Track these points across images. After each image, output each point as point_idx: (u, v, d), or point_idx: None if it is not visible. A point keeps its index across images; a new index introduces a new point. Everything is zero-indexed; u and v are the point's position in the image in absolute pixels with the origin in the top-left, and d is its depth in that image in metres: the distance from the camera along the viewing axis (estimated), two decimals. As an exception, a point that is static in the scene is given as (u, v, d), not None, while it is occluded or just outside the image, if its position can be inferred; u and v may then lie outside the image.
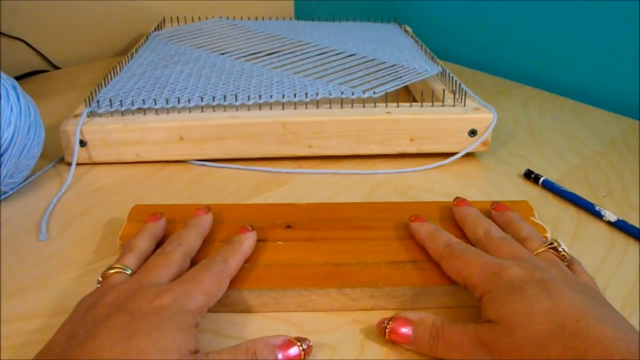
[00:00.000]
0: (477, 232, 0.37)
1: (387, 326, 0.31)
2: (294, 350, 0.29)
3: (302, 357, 0.30)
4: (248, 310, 0.34)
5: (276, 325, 0.34)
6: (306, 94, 0.54)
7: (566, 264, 0.34)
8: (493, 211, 0.41)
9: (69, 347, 0.26)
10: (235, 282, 0.34)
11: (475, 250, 0.34)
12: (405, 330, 0.31)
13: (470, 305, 0.35)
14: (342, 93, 0.54)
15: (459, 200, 0.41)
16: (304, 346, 0.30)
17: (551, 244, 0.35)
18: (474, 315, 0.34)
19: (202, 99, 0.53)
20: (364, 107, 0.54)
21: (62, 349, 0.27)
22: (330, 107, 0.53)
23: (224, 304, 0.34)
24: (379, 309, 0.35)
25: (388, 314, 0.33)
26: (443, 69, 0.62)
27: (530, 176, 0.51)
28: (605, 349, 0.25)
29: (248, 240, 0.36)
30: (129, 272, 0.33)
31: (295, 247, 0.37)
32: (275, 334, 0.30)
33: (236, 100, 0.53)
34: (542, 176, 0.50)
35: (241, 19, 0.85)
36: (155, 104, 0.52)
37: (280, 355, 0.29)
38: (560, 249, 0.34)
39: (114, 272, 0.32)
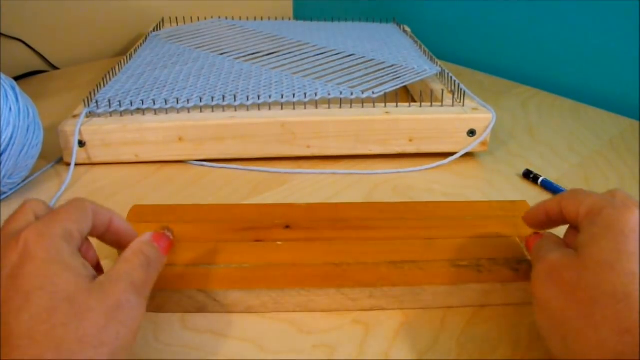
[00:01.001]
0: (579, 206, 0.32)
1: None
2: (166, 239, 0.32)
3: (172, 241, 0.32)
4: (247, 311, 0.34)
5: (275, 325, 0.34)
6: (305, 94, 0.54)
7: None
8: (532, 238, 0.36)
9: None
10: (234, 282, 0.34)
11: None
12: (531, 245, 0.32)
13: (471, 305, 0.35)
14: (341, 93, 0.54)
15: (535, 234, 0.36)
16: (169, 232, 0.32)
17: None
18: (476, 315, 0.35)
19: (201, 99, 0.53)
20: (362, 107, 0.54)
21: None
22: (329, 107, 0.53)
23: (223, 305, 0.34)
24: (378, 309, 0.35)
25: (387, 313, 0.33)
26: (442, 69, 0.62)
27: (529, 176, 0.51)
28: None
29: (121, 220, 0.33)
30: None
31: (294, 247, 0.37)
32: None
33: (235, 100, 0.53)
34: (541, 176, 0.50)
35: (240, 19, 0.85)
36: (154, 104, 0.52)
37: (160, 245, 0.31)
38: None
39: (19, 215, 0.29)
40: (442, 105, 0.54)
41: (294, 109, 0.53)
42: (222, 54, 0.68)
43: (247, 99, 0.53)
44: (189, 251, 0.37)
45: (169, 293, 0.34)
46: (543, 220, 0.34)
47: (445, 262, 0.36)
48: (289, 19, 0.90)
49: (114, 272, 0.28)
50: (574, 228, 0.32)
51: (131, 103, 0.52)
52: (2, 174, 0.44)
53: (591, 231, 0.28)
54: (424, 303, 0.35)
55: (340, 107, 0.54)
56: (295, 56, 0.66)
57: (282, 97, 0.53)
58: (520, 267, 0.35)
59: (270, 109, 0.53)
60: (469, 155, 0.54)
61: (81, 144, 0.51)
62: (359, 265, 0.35)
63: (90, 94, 0.54)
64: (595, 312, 0.26)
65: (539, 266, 0.30)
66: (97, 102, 0.53)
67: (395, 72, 0.60)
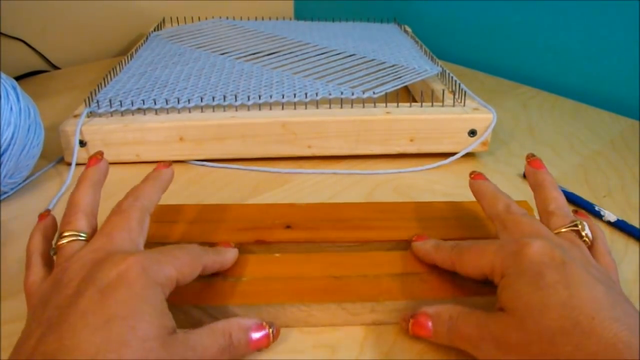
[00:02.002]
0: (496, 205, 0.35)
1: (410, 322, 0.32)
2: (264, 332, 0.30)
3: (271, 340, 0.31)
4: None
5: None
6: (306, 94, 0.54)
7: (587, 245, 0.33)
8: (527, 166, 0.38)
9: (43, 339, 0.24)
10: (230, 297, 0.33)
11: (485, 240, 0.33)
12: (427, 323, 0.31)
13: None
14: (341, 93, 0.54)
15: (475, 174, 0.39)
16: (273, 330, 0.31)
17: (575, 225, 0.33)
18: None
19: (201, 99, 0.53)
20: (363, 107, 0.54)
21: (36, 342, 0.24)
22: (330, 107, 0.53)
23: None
24: (381, 323, 0.34)
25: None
26: (443, 69, 0.62)
27: (530, 176, 0.51)
28: (618, 354, 0.24)
29: (230, 253, 0.35)
30: (83, 236, 0.30)
31: (293, 260, 0.36)
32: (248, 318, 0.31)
33: (236, 100, 0.53)
34: (541, 176, 0.50)
35: (241, 19, 0.85)
36: (155, 104, 0.52)
37: (253, 337, 0.30)
38: (583, 233, 0.32)
39: (68, 242, 0.30)
40: (442, 106, 0.54)
41: (295, 109, 0.53)
42: (223, 53, 0.68)
43: (248, 99, 0.53)
44: None
45: None
46: (431, 264, 0.35)
47: (449, 273, 0.34)
48: (290, 19, 0.90)
49: (194, 338, 0.27)
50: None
51: (132, 103, 0.52)
52: (3, 173, 0.44)
53: (508, 285, 0.28)
54: None
55: (341, 107, 0.54)
56: (296, 56, 0.66)
57: (283, 97, 0.53)
58: None
59: (271, 109, 0.53)
60: (469, 155, 0.54)
61: (82, 143, 0.51)
62: (360, 278, 0.34)
63: (91, 93, 0.54)
64: (555, 354, 0.25)
65: (484, 344, 0.28)
66: (98, 101, 0.53)
67: (396, 72, 0.60)
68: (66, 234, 0.30)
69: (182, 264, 0.29)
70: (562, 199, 0.35)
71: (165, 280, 0.28)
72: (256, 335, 0.30)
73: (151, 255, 0.28)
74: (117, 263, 0.27)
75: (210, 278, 0.34)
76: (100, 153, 0.35)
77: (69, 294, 0.26)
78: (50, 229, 0.33)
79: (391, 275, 0.35)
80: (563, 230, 0.33)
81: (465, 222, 0.41)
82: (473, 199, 0.48)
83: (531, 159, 0.38)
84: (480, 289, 0.33)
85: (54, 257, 0.30)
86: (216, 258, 0.33)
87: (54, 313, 0.25)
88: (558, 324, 0.25)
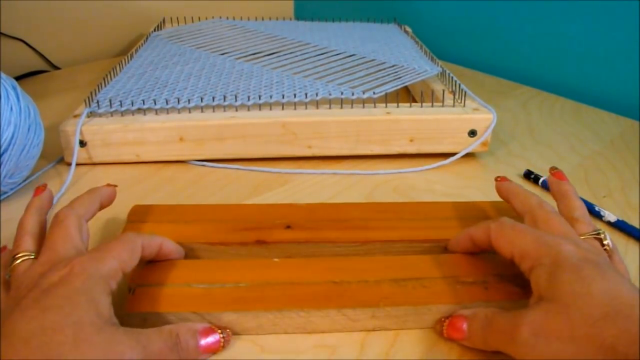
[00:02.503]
0: (529, 200, 0.36)
1: (445, 324, 0.32)
2: (213, 338, 0.31)
3: (221, 345, 0.31)
4: (244, 333, 0.33)
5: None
6: (306, 94, 0.54)
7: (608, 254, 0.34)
8: (550, 177, 0.39)
9: None
10: (229, 303, 0.32)
11: (527, 225, 0.34)
12: (462, 325, 0.31)
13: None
14: (342, 93, 0.54)
15: (501, 177, 0.41)
16: (224, 335, 0.31)
17: (598, 233, 0.34)
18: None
19: (202, 99, 0.53)
20: (363, 107, 0.54)
21: None
22: (330, 108, 0.53)
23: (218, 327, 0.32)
24: (381, 329, 0.33)
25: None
26: (443, 69, 0.62)
27: (530, 176, 0.51)
28: None
29: (164, 239, 0.35)
30: (33, 255, 0.32)
31: (292, 264, 0.36)
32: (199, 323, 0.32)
33: (236, 100, 0.53)
34: (541, 176, 0.50)
35: (241, 19, 0.85)
36: (155, 104, 0.52)
37: (201, 341, 0.31)
38: (605, 242, 0.33)
39: (19, 262, 0.32)
40: (443, 106, 0.54)
41: (295, 109, 0.53)
42: (223, 54, 0.68)
43: (248, 99, 0.53)
44: (182, 268, 0.35)
45: (161, 315, 0.32)
46: (469, 247, 0.36)
47: (450, 278, 0.34)
48: (290, 19, 0.90)
49: (139, 331, 0.28)
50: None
51: (132, 103, 0.52)
52: (3, 173, 0.44)
53: (545, 275, 0.29)
54: (429, 323, 0.33)
55: (341, 108, 0.54)
56: (296, 56, 0.66)
57: (283, 97, 0.53)
58: (528, 283, 0.34)
59: (271, 109, 0.53)
60: (469, 155, 0.54)
61: (82, 143, 0.51)
62: (360, 284, 0.34)
63: (91, 93, 0.54)
64: (600, 338, 0.26)
65: (521, 335, 0.28)
66: (98, 102, 0.53)
67: (396, 72, 0.60)
68: (18, 256, 0.32)
69: (119, 252, 0.31)
70: (585, 208, 0.37)
71: (108, 272, 0.30)
72: (206, 339, 0.31)
73: (90, 255, 0.30)
74: (60, 269, 0.29)
75: (208, 284, 0.34)
76: (44, 185, 0.38)
77: (17, 301, 0.28)
78: (45, 206, 0.37)
79: (392, 281, 0.34)
80: (587, 236, 0.34)
81: (465, 222, 0.40)
82: (473, 199, 0.48)
83: (555, 171, 0.40)
84: (482, 295, 0.33)
85: (9, 280, 0.32)
86: (151, 240, 0.34)
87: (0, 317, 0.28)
88: (601, 310, 0.26)
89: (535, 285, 0.30)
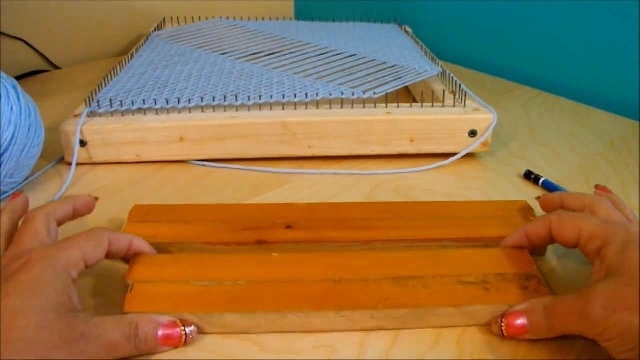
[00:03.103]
0: (587, 196, 0.37)
1: (502, 324, 0.32)
2: (175, 332, 0.31)
3: (183, 341, 0.31)
4: (242, 332, 0.33)
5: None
6: (306, 94, 0.54)
7: None
8: (597, 192, 0.40)
9: None
10: (228, 304, 0.32)
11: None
12: (520, 321, 0.32)
13: (478, 325, 0.34)
14: (342, 93, 0.54)
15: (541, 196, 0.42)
16: (187, 331, 0.31)
17: None
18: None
19: (202, 99, 0.53)
20: (364, 107, 0.54)
21: None
22: (330, 108, 0.53)
23: (217, 326, 0.32)
24: (381, 329, 0.33)
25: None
26: (443, 69, 0.62)
27: (530, 177, 0.51)
28: None
29: (134, 237, 0.36)
30: (3, 252, 0.33)
31: (291, 261, 0.36)
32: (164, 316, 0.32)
33: (236, 100, 0.53)
34: (542, 177, 0.50)
35: (241, 19, 0.85)
36: (156, 104, 0.52)
37: (160, 332, 0.31)
38: None
39: None
40: (443, 106, 0.54)
41: (295, 109, 0.53)
42: (223, 54, 0.68)
43: (249, 99, 0.53)
44: (181, 264, 0.35)
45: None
46: (525, 245, 0.37)
47: (451, 277, 0.34)
48: (291, 19, 0.90)
49: (97, 320, 0.29)
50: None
51: (132, 103, 0.52)
52: (4, 173, 0.44)
53: (613, 251, 0.30)
54: (428, 324, 0.33)
55: (342, 108, 0.54)
56: (297, 56, 0.66)
57: (284, 97, 0.53)
58: (529, 284, 0.34)
59: (271, 109, 0.53)
60: (470, 155, 0.54)
61: (82, 143, 0.51)
62: (360, 282, 0.34)
63: (92, 93, 0.54)
64: None
65: (592, 308, 0.29)
66: (98, 101, 0.53)
67: (396, 72, 0.61)
68: None
69: (82, 243, 0.32)
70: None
71: (68, 261, 0.30)
72: (166, 332, 0.31)
73: (52, 245, 0.31)
74: (20, 258, 0.30)
75: (207, 283, 0.33)
76: (20, 192, 0.39)
77: None
78: (19, 209, 0.37)
79: (392, 280, 0.34)
80: None
81: (466, 222, 0.41)
82: (474, 199, 0.48)
83: (600, 187, 0.41)
84: (483, 296, 0.33)
85: None
86: (119, 236, 0.34)
87: None
88: None
89: (603, 263, 0.31)
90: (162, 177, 0.51)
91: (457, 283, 0.34)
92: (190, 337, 0.32)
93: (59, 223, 0.36)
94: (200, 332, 0.32)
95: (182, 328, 0.31)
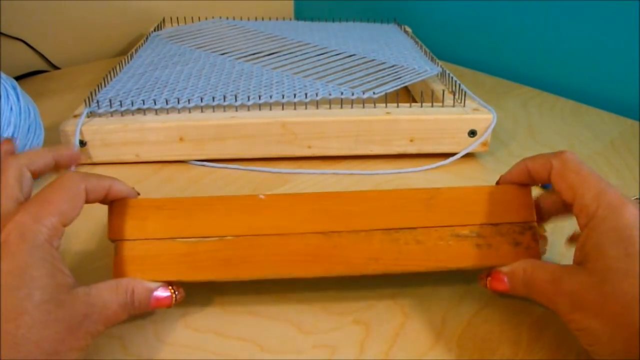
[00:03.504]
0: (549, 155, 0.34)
1: (487, 281, 0.33)
2: (166, 297, 0.32)
3: (173, 302, 0.32)
4: (227, 293, 0.34)
5: (275, 325, 0.34)
6: (306, 94, 0.54)
7: None
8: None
9: None
10: (214, 269, 0.32)
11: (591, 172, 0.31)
12: (502, 281, 0.32)
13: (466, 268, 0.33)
14: (342, 93, 0.54)
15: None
16: (177, 293, 0.32)
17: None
18: (476, 315, 0.34)
19: (202, 99, 0.53)
20: (363, 107, 0.54)
21: None
22: (330, 108, 0.53)
23: (207, 287, 0.33)
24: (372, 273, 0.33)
25: (388, 313, 0.33)
26: (443, 69, 0.62)
27: (530, 177, 0.51)
28: None
29: (116, 181, 0.33)
30: None
31: (279, 206, 0.33)
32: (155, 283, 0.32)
33: (236, 100, 0.53)
34: (541, 177, 0.50)
35: (241, 19, 0.85)
36: (155, 104, 0.52)
37: (154, 296, 0.31)
38: None
39: None
40: (442, 106, 0.54)
41: (295, 109, 0.53)
42: (223, 54, 0.68)
43: (248, 99, 0.53)
44: (163, 213, 0.33)
45: None
46: (524, 180, 0.34)
47: (445, 229, 0.33)
48: (290, 19, 0.91)
49: (95, 293, 0.29)
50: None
51: (132, 103, 0.52)
52: (3, 173, 0.44)
53: (594, 239, 0.29)
54: (418, 274, 0.33)
55: (341, 108, 0.54)
56: (296, 56, 0.66)
57: (283, 97, 0.53)
58: (523, 238, 0.33)
59: (271, 109, 0.53)
60: (469, 155, 0.54)
61: (82, 143, 0.51)
62: (350, 236, 0.32)
63: (91, 93, 0.54)
64: (630, 320, 0.26)
65: (560, 300, 0.29)
66: (98, 102, 0.53)
67: (396, 72, 0.61)
68: None
69: (58, 204, 0.29)
70: None
71: (48, 232, 0.28)
72: (158, 295, 0.31)
73: (28, 210, 0.28)
74: None
75: (193, 239, 0.33)
76: (8, 139, 0.37)
77: None
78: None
79: (383, 232, 0.33)
80: None
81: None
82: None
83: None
84: (474, 256, 0.33)
85: None
86: (99, 182, 0.32)
87: None
88: (636, 290, 0.26)
89: (581, 247, 0.29)
90: (162, 177, 0.51)
91: (450, 236, 0.33)
92: (179, 297, 0.32)
93: (38, 173, 0.33)
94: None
95: (172, 291, 0.32)
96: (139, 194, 0.33)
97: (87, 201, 0.31)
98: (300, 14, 1.09)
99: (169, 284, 0.32)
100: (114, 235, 0.33)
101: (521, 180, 0.35)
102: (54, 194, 0.29)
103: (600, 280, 0.27)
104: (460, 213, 0.34)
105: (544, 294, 0.30)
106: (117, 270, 0.32)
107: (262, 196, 0.34)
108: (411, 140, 0.53)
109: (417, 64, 0.63)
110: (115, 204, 0.34)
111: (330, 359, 0.32)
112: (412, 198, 0.34)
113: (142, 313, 0.32)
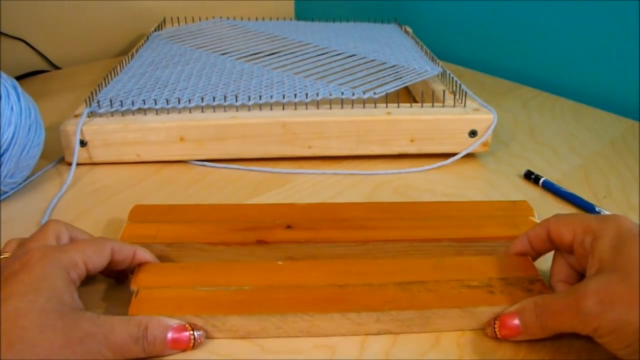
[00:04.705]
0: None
1: (496, 326, 0.32)
2: (184, 336, 0.31)
3: (192, 345, 0.31)
4: (248, 336, 0.33)
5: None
6: (306, 94, 0.54)
7: None
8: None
9: None
10: (233, 307, 0.32)
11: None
12: (513, 322, 0.31)
13: (481, 328, 0.34)
14: (342, 94, 0.54)
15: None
16: (196, 335, 0.31)
17: None
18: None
19: (202, 99, 0.53)
20: (364, 107, 0.54)
21: None
22: (330, 108, 0.53)
23: (222, 330, 0.32)
24: (386, 333, 0.33)
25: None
26: (443, 69, 0.62)
27: (530, 177, 0.51)
28: None
29: (138, 248, 0.35)
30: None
31: (296, 268, 0.35)
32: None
33: (236, 100, 0.53)
34: (542, 177, 0.50)
35: (241, 19, 0.85)
36: (156, 104, 0.52)
37: (170, 335, 0.30)
38: None
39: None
40: (443, 106, 0.54)
41: (295, 109, 0.53)
42: (223, 54, 0.68)
43: (249, 99, 0.53)
44: (186, 271, 0.35)
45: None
46: (527, 251, 0.36)
47: (455, 282, 0.34)
48: (291, 19, 0.90)
49: (104, 319, 0.29)
50: (562, 254, 0.35)
51: (133, 103, 0.52)
52: (4, 173, 0.44)
53: (604, 246, 0.30)
54: (434, 327, 0.33)
55: (342, 108, 0.54)
56: (297, 56, 0.66)
57: (284, 97, 0.53)
58: (533, 287, 0.34)
59: (271, 109, 0.53)
60: (470, 155, 0.54)
61: (82, 143, 0.51)
62: (365, 287, 0.34)
63: (92, 93, 0.54)
64: None
65: (586, 304, 0.29)
66: (98, 101, 0.53)
67: (396, 72, 0.61)
68: (1, 257, 0.33)
69: (84, 248, 0.32)
70: None
71: (69, 263, 0.30)
72: (175, 335, 0.31)
73: (54, 246, 0.32)
74: (20, 257, 0.30)
75: (212, 288, 0.33)
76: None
77: None
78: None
79: (396, 284, 0.34)
80: None
81: (465, 222, 0.40)
82: (474, 199, 0.48)
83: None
84: (488, 298, 0.33)
85: None
86: (123, 246, 0.34)
87: None
88: None
89: (594, 258, 0.30)
90: (162, 177, 0.51)
91: (461, 287, 0.34)
92: (199, 341, 0.31)
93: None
94: (207, 336, 0.32)
95: (191, 331, 0.31)
96: (200, 333, 0.32)
97: (114, 260, 0.33)
98: (301, 14, 1.09)
99: (190, 327, 0.31)
100: (136, 285, 0.34)
101: (525, 251, 0.36)
102: (82, 242, 0.33)
103: (624, 273, 0.28)
104: (469, 272, 0.35)
105: (563, 313, 0.29)
106: (133, 307, 0.32)
107: (280, 263, 0.36)
108: (412, 141, 0.53)
109: (418, 64, 0.63)
110: (141, 265, 0.35)
111: (330, 359, 0.32)
112: (421, 263, 0.36)
113: (160, 353, 0.30)
